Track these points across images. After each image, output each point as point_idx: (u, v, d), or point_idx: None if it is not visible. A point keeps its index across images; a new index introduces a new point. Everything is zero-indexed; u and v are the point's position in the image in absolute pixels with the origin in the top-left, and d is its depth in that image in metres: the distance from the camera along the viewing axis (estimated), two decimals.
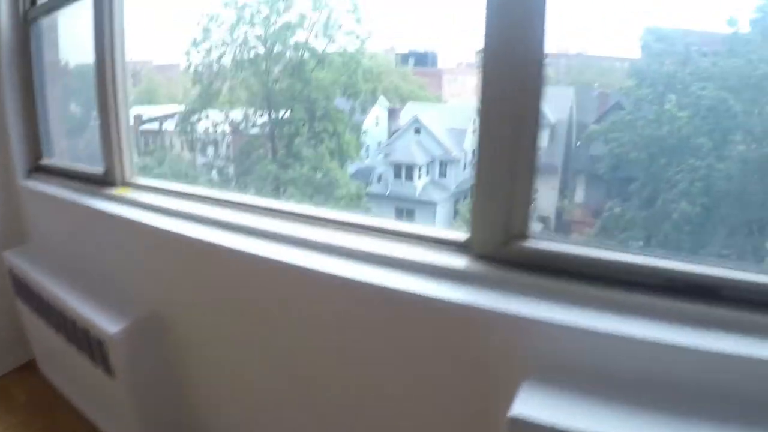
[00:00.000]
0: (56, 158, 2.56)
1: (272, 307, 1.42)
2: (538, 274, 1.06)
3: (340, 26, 11.52)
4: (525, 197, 1.10)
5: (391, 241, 1.30)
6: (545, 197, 11.15)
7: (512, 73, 1.04)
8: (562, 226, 11.63)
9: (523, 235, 1.11)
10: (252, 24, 11.31)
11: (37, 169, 2.53)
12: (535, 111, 1.04)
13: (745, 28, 7.09)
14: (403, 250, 1.24)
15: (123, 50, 1.95)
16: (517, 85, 1.04)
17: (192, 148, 13.17)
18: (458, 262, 1.15)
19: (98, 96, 1.98)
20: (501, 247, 1.12)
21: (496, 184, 1.09)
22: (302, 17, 11.16)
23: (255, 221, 1.52)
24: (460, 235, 1.20)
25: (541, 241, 1.10)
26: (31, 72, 2.48)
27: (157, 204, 1.80)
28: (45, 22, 2.48)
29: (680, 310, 0.92)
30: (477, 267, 1.12)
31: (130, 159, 2.06)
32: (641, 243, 7.36)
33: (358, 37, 11.86)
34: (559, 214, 11.78)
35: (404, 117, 15.66)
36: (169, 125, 18.34)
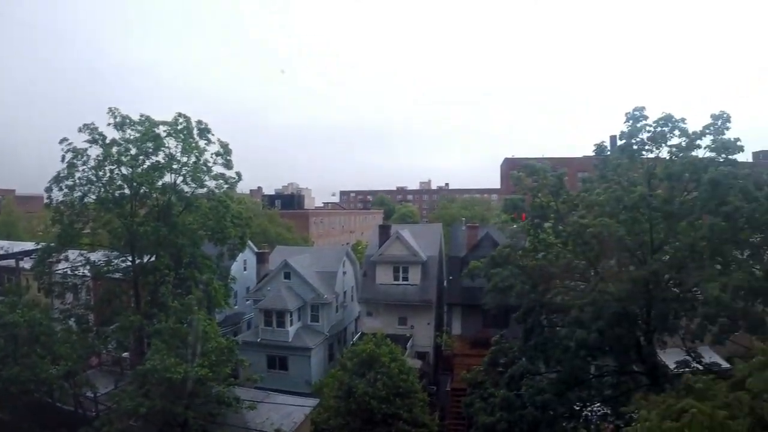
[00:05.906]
0: None
1: None
2: None
3: (209, 169, 11.31)
4: None
5: None
6: (422, 332, 11.54)
7: None
8: (442, 360, 11.90)
9: None
10: (119, 163, 10.63)
11: None
12: None
13: (607, 148, 8.12)
14: None
15: None
16: None
17: (49, 292, 11.43)
18: None
19: None
20: None
21: None
22: (171, 159, 10.79)
23: None
24: None
25: None
26: None
27: None
28: None
29: None
30: None
31: None
32: (542, 367, 7.57)
33: (226, 180, 11.76)
34: (438, 348, 12.12)
35: (273, 260, 15.68)
36: (27, 263, 15.98)
